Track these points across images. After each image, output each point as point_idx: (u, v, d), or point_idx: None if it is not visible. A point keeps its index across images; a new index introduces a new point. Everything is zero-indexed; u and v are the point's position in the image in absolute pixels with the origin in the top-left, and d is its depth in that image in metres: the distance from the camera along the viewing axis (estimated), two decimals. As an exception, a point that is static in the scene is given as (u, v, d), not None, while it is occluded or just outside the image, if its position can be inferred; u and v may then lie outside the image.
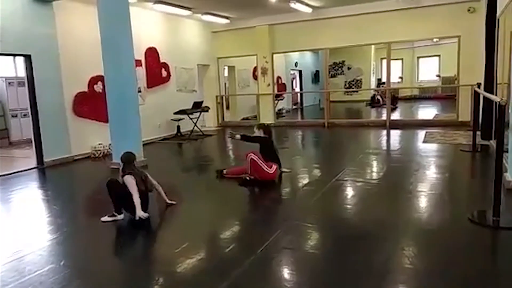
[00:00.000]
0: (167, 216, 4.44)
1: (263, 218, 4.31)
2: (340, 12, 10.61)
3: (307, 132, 10.89)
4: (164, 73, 10.34)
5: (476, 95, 6.95)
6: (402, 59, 19.97)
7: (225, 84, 13.57)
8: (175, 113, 10.04)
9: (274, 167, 5.45)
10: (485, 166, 5.89)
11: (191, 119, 10.27)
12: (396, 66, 18.29)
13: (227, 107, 13.62)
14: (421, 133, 8.89)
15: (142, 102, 8.94)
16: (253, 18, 11.40)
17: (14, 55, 7.60)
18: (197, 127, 10.48)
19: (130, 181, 4.08)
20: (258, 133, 5.70)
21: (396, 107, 15.24)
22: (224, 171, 5.78)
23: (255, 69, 12.91)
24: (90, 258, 3.47)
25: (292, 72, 18.03)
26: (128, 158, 4.27)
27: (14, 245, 3.67)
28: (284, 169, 5.79)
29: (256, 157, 5.36)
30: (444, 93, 17.82)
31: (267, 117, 11.90)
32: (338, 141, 9.67)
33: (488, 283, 2.69)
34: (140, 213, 4.02)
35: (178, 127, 10.38)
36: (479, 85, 7.25)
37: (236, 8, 10.27)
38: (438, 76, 19.47)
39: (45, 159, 7.30)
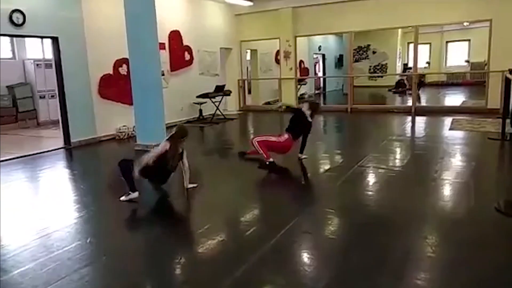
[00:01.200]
0: (190, 198, 4.50)
1: (284, 202, 4.32)
2: (367, -6, 10.35)
3: (330, 117, 10.77)
4: (187, 57, 10.36)
5: (507, 81, 6.71)
6: (430, 43, 19.38)
7: (247, 68, 13.50)
8: (197, 97, 10.09)
9: (286, 136, 5.55)
10: (514, 155, 5.72)
11: (213, 102, 10.31)
12: (423, 50, 17.79)
13: (249, 91, 13.59)
14: (448, 120, 8.67)
15: (166, 85, 9.00)
16: (276, 0, 11.23)
17: (42, 37, 7.73)
18: (219, 110, 10.52)
19: (154, 150, 4.32)
20: (305, 107, 5.75)
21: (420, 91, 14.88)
22: (248, 151, 5.99)
23: (277, 53, 12.78)
24: (115, 236, 3.58)
25: (315, 56, 17.77)
26: (176, 132, 4.45)
27: (43, 222, 3.81)
28: (302, 156, 5.74)
29: (259, 137, 5.65)
30: (473, 79, 17.28)
31: (289, 102, 11.78)
32: (361, 127, 9.54)
33: (514, 274, 2.64)
34: (133, 194, 4.19)
35: (201, 110, 10.44)
36: (511, 71, 6.98)
37: (260, -10, 10.14)
38: (467, 61, 18.84)
39: (72, 140, 7.49)
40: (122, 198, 4.24)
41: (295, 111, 5.86)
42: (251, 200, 4.37)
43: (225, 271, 2.75)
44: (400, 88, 16.59)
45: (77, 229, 3.67)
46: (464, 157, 5.76)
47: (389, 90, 16.94)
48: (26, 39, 9.86)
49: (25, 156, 6.70)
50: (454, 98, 13.97)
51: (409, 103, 11.37)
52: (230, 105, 12.23)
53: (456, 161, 5.53)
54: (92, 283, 2.71)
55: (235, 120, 10.61)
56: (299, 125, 5.62)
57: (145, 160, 4.23)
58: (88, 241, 3.34)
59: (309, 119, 5.63)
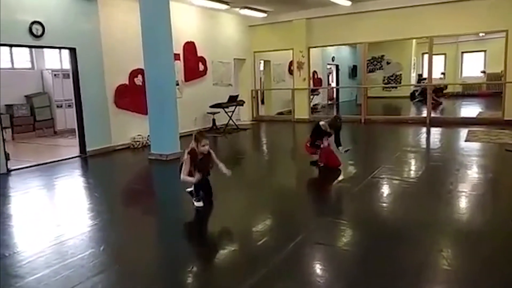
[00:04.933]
0: (204, 208, 4.51)
1: (297, 212, 4.29)
2: (380, 5, 10.32)
3: (343, 128, 10.67)
4: (201, 67, 10.47)
5: (524, 92, 6.60)
6: (445, 54, 19.21)
7: (260, 78, 13.57)
8: (211, 107, 10.16)
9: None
10: (532, 168, 5.59)
11: (226, 112, 10.37)
12: (438, 61, 17.63)
13: (262, 102, 13.63)
14: (464, 131, 8.54)
15: (180, 95, 9.10)
16: (290, 12, 11.30)
17: (60, 48, 7.92)
18: (232, 121, 10.57)
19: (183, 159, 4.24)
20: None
21: (441, 103, 14.81)
22: (318, 162, 5.89)
23: (291, 63, 12.82)
24: (128, 244, 3.59)
25: (328, 66, 17.77)
26: (194, 138, 4.34)
27: (58, 230, 3.87)
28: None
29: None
30: (490, 90, 17.04)
31: (301, 112, 11.82)
32: (375, 138, 9.46)
33: (533, 289, 2.57)
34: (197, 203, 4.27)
35: (214, 120, 10.50)
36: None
37: (274, 1, 10.21)
38: (483, 72, 18.61)
39: (88, 148, 7.59)
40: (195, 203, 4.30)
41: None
42: (264, 210, 4.35)
43: (239, 280, 2.74)
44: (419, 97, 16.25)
45: (91, 237, 3.70)
46: (481, 169, 5.66)
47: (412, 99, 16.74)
48: (45, 50, 10.10)
49: (42, 164, 6.81)
50: (470, 109, 13.78)
51: (424, 114, 11.26)
52: (243, 115, 12.28)
53: (473, 173, 5.44)
54: (104, 291, 2.73)
55: (248, 130, 10.63)
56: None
57: (183, 168, 4.23)
58: (101, 249, 3.37)
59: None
